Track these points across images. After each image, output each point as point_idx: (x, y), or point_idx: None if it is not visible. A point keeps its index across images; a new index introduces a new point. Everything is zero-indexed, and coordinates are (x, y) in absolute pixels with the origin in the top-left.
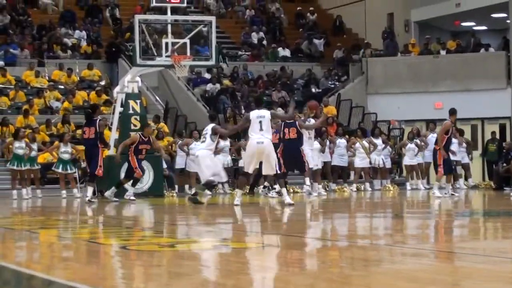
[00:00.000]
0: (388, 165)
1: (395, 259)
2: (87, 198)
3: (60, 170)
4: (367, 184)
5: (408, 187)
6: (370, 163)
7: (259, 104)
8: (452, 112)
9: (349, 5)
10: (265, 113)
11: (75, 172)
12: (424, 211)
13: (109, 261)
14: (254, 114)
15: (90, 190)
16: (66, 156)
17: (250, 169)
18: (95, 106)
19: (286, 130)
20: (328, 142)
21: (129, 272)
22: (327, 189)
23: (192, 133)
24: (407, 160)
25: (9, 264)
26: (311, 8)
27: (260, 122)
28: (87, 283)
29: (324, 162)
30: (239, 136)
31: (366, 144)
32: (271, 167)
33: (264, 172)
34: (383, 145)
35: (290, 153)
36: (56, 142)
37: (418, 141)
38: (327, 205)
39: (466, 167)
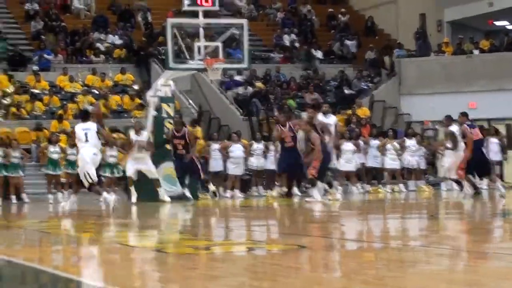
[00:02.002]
0: (423, 166)
1: (430, 260)
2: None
3: (108, 174)
4: (401, 185)
5: (444, 187)
6: (402, 164)
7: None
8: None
9: (380, 6)
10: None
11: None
12: (460, 211)
13: (144, 264)
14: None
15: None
16: (113, 160)
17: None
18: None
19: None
20: (362, 143)
21: (165, 275)
22: (362, 190)
23: (231, 135)
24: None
25: (46, 268)
26: (342, 10)
27: (86, 134)
28: (123, 286)
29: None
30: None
31: (397, 145)
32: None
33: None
34: (417, 146)
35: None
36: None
37: None
38: (362, 207)
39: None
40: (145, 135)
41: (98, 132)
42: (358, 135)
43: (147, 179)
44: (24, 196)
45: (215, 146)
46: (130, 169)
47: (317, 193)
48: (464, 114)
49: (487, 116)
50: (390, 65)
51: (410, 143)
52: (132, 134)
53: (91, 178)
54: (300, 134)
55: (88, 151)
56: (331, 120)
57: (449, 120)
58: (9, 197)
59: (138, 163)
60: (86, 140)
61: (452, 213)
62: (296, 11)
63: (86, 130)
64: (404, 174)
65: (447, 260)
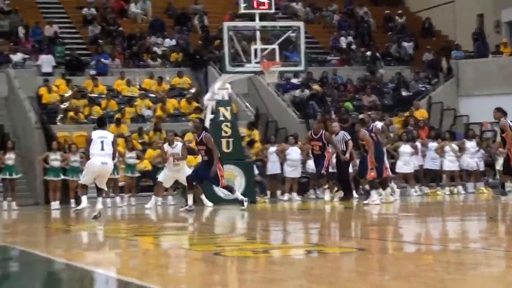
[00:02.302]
0: (482, 168)
1: (490, 263)
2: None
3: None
4: (460, 188)
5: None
6: (461, 166)
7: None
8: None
9: (438, 7)
10: (108, 134)
11: None
12: None
13: (203, 267)
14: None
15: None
16: None
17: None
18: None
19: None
20: (420, 145)
21: (223, 279)
22: (420, 192)
23: (287, 138)
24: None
25: (105, 271)
26: (399, 11)
27: (102, 142)
28: None
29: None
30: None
31: (456, 147)
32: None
33: (99, 185)
34: (477, 148)
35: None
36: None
37: None
38: (420, 209)
39: None
40: (179, 146)
41: (113, 143)
42: (414, 137)
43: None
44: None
45: (272, 148)
46: (163, 177)
47: (375, 195)
48: (499, 110)
49: None
50: (447, 67)
51: (470, 145)
52: (166, 146)
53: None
54: (339, 135)
55: (97, 159)
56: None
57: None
58: (68, 201)
59: (174, 172)
60: (102, 149)
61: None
62: (353, 13)
63: (103, 138)
64: (463, 176)
65: (507, 263)
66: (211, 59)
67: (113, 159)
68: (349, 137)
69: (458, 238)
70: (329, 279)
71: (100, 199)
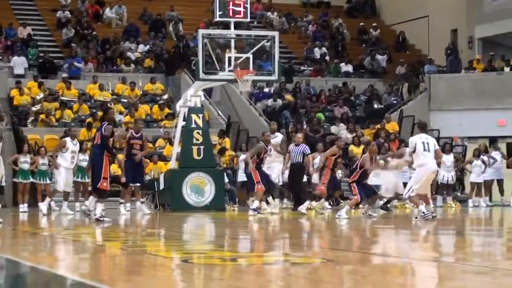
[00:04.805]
0: (453, 182)
1: (455, 277)
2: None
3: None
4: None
5: (471, 204)
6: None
7: None
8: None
9: (412, 21)
10: None
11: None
12: (487, 228)
13: (171, 274)
14: None
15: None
16: None
17: None
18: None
19: None
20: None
21: (191, 286)
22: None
23: None
24: (473, 177)
25: (73, 276)
26: (374, 24)
27: None
28: None
29: None
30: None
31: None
32: None
33: None
34: (453, 162)
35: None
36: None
37: (485, 158)
38: (389, 222)
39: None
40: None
41: None
42: (385, 149)
43: (173, 187)
44: (52, 203)
45: (243, 157)
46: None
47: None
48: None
49: None
50: (415, 85)
51: (446, 158)
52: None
53: None
54: (300, 147)
55: None
56: (278, 139)
57: None
58: (36, 204)
59: None
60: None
61: (479, 230)
62: (328, 24)
63: None
64: (433, 189)
65: (475, 277)
66: (184, 66)
67: None
68: (308, 151)
69: (424, 252)
70: None
71: None
